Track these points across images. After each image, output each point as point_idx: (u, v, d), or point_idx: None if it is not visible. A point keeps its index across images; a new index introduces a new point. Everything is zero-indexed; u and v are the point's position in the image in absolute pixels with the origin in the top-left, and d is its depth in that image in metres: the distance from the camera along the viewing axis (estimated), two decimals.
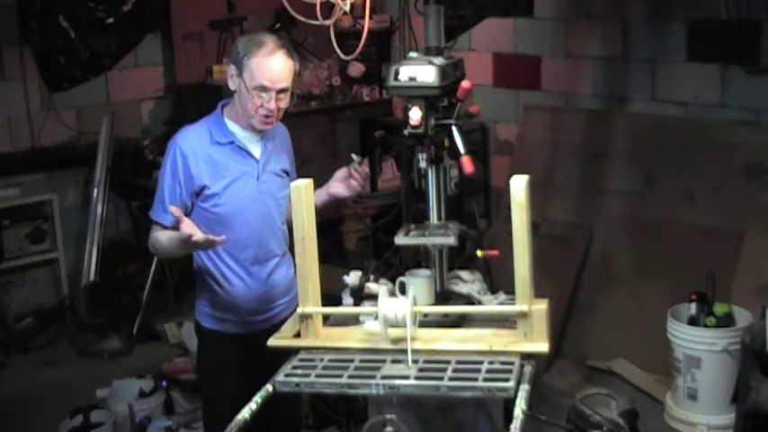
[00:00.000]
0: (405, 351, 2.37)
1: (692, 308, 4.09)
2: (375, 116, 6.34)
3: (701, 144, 4.72)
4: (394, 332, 2.43)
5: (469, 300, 2.70)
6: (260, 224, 2.97)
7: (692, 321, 4.08)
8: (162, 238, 2.92)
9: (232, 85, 2.90)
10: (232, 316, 3.02)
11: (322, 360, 2.46)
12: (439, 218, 2.71)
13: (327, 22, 3.14)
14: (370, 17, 3.31)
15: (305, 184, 2.53)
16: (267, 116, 2.89)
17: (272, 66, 2.85)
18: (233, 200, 2.92)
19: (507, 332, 2.47)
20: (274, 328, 2.72)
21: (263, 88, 2.85)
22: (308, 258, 2.52)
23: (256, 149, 2.97)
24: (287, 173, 3.08)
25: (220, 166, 2.91)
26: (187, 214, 2.88)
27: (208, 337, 3.09)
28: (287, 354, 2.52)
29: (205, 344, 3.12)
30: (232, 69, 2.90)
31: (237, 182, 2.92)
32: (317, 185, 2.61)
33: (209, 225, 2.88)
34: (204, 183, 2.89)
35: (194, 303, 3.12)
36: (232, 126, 2.95)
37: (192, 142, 2.91)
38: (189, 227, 2.74)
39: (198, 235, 2.71)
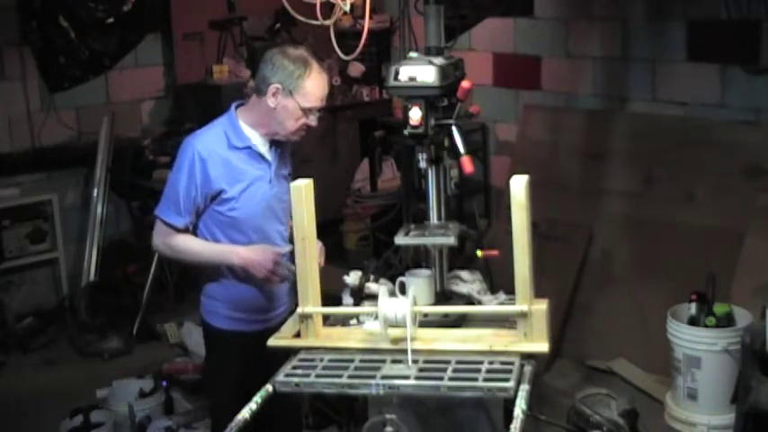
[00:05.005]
0: (405, 351, 2.37)
1: (692, 308, 4.10)
2: (375, 116, 6.35)
3: (701, 144, 4.72)
4: (394, 332, 2.43)
5: (469, 300, 2.70)
6: (270, 227, 2.98)
7: (692, 321, 4.08)
8: (194, 245, 2.93)
9: (272, 102, 2.85)
10: (246, 315, 3.02)
11: (322, 360, 2.46)
12: (439, 218, 2.71)
13: (327, 22, 3.14)
14: (370, 17, 3.31)
15: (305, 184, 2.53)
16: (305, 131, 2.92)
17: (324, 85, 2.88)
18: (247, 204, 2.92)
19: (507, 332, 2.47)
20: (280, 325, 2.73)
21: (314, 108, 2.87)
22: (308, 258, 2.52)
23: (269, 153, 2.98)
24: (291, 175, 3.08)
25: (237, 170, 2.91)
26: (198, 216, 2.91)
27: (221, 338, 3.07)
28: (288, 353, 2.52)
29: (218, 344, 3.10)
30: (276, 88, 2.83)
31: (252, 186, 2.93)
32: (317, 185, 2.59)
33: (222, 228, 2.93)
34: (222, 187, 2.89)
35: (200, 303, 3.10)
36: (248, 131, 2.94)
37: (209, 146, 2.89)
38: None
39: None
